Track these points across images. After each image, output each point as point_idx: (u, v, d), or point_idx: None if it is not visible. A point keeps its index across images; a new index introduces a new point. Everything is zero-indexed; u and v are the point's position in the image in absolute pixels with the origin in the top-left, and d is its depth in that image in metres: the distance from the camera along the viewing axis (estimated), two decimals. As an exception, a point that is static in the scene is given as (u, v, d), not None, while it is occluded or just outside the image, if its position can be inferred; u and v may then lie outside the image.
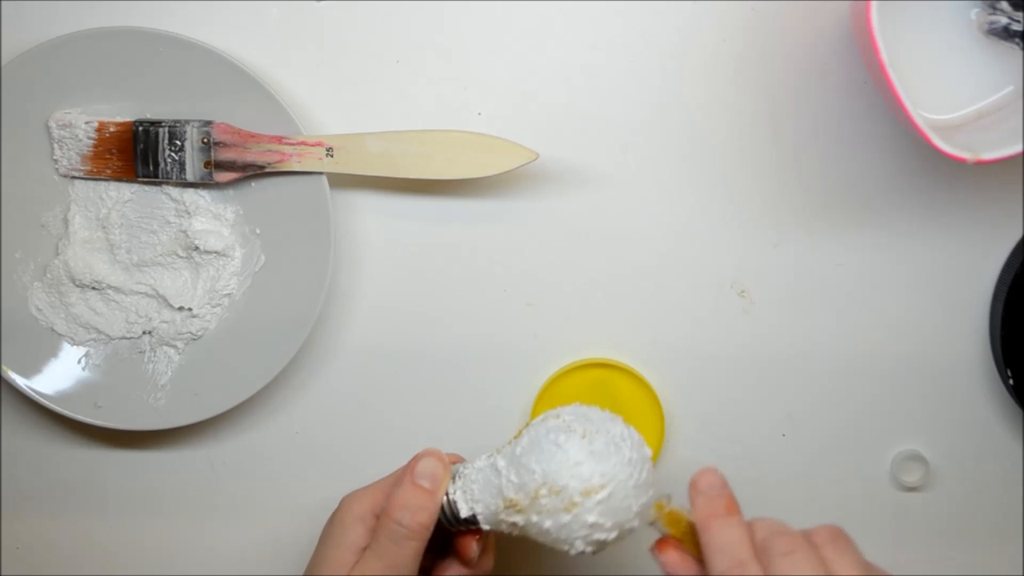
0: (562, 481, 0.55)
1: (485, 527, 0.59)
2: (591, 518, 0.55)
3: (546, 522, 0.56)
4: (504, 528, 0.58)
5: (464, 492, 0.58)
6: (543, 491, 0.56)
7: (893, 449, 0.70)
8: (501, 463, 0.57)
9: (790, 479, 0.70)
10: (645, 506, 0.56)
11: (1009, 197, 0.67)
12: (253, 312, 0.67)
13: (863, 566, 0.53)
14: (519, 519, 0.57)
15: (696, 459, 0.70)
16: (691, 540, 0.56)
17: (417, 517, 0.58)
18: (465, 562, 0.61)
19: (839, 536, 0.54)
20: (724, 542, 0.53)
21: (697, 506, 0.55)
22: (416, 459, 0.60)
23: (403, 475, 0.59)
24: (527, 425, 0.59)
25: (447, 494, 0.59)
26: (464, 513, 0.58)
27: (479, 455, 0.60)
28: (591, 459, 0.55)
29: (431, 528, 0.58)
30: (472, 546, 0.61)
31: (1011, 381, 0.67)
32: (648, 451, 0.57)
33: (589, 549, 0.56)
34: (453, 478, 0.59)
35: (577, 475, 0.55)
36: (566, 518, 0.55)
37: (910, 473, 0.69)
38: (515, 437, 0.59)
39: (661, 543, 0.56)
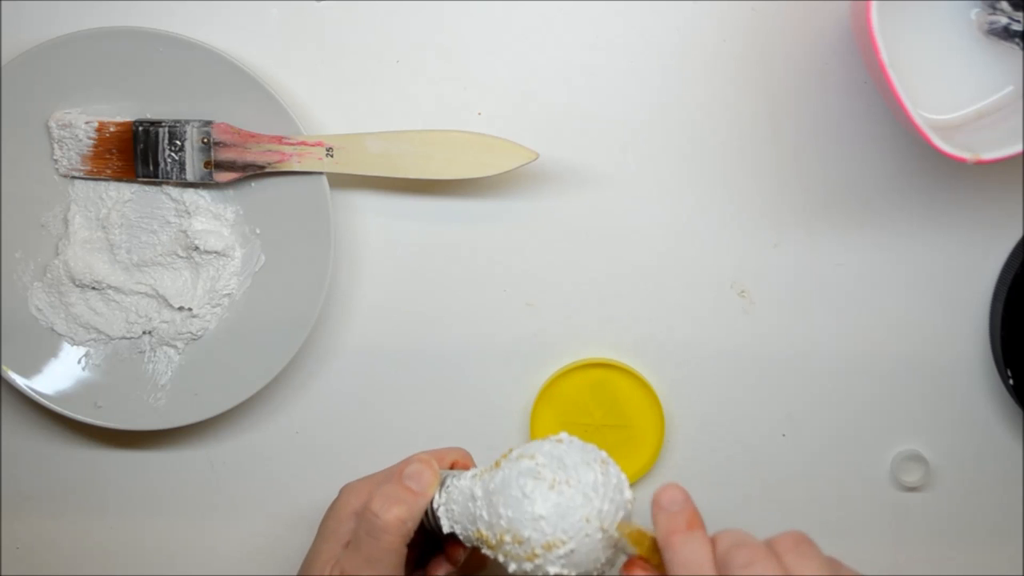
0: (525, 533, 0.55)
1: (467, 544, 0.59)
2: (553, 569, 0.55)
3: (511, 565, 0.56)
4: (482, 550, 0.58)
5: (447, 509, 0.58)
6: (507, 537, 0.55)
7: (893, 449, 0.70)
8: (478, 492, 0.57)
9: (790, 479, 0.70)
10: (618, 553, 0.56)
11: (1009, 197, 0.67)
12: (253, 312, 0.67)
13: (827, 567, 0.52)
14: (489, 553, 0.57)
15: (696, 459, 0.70)
16: (657, 558, 0.55)
17: (394, 510, 0.57)
18: (452, 563, 0.62)
19: (801, 541, 0.53)
20: (685, 558, 0.52)
21: (659, 523, 0.54)
22: (407, 462, 0.60)
23: (392, 473, 0.60)
24: (508, 453, 0.58)
25: (432, 503, 0.59)
26: (445, 530, 0.58)
27: (469, 470, 0.60)
28: (555, 513, 0.54)
29: (409, 525, 0.58)
30: (459, 552, 0.61)
31: (1011, 381, 0.67)
32: (628, 495, 0.56)
33: None
34: (442, 485, 0.59)
35: (539, 529, 0.54)
36: (529, 566, 0.55)
37: (910, 473, 0.69)
38: (502, 457, 0.58)
39: (628, 564, 0.56)
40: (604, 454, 0.57)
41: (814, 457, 0.70)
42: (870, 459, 0.70)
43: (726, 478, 0.70)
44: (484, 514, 0.56)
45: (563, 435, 0.58)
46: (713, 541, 0.53)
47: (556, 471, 0.56)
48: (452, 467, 0.62)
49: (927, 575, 0.70)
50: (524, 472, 0.56)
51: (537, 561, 0.55)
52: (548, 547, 0.54)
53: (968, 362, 0.69)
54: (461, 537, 0.58)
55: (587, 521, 0.54)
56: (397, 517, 0.57)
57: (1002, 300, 0.67)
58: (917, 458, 0.69)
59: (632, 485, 0.69)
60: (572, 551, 0.54)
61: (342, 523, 0.60)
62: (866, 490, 0.70)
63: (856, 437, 0.69)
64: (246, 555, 0.71)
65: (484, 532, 0.56)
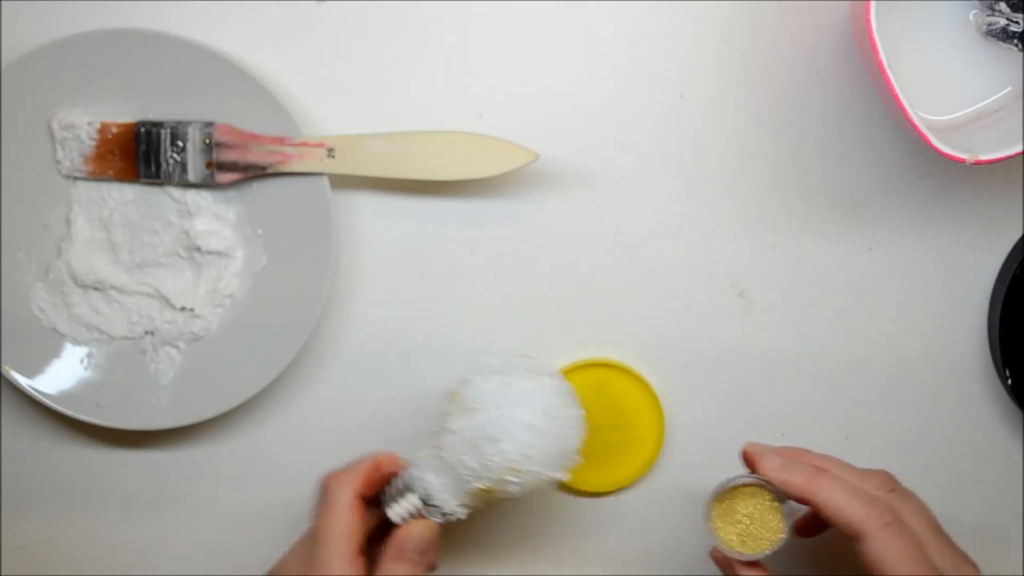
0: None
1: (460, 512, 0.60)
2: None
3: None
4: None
5: (437, 490, 0.60)
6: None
7: (892, 449, 0.70)
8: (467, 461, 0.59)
9: (790, 479, 0.70)
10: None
11: (1007, 198, 0.68)
12: (255, 312, 0.68)
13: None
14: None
15: (696, 459, 0.70)
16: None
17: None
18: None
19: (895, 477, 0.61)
20: (846, 491, 0.57)
21: (793, 478, 0.58)
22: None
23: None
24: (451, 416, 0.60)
25: (411, 510, 0.60)
26: (460, 515, 0.60)
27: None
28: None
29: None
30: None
31: (1010, 381, 0.67)
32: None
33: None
34: (407, 485, 0.60)
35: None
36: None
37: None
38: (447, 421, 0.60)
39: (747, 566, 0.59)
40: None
41: (813, 457, 0.70)
42: (869, 459, 0.70)
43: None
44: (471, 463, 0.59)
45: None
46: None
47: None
48: (380, 471, 0.61)
49: (927, 575, 0.70)
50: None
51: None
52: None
53: (967, 362, 0.69)
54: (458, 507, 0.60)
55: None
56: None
57: (1000, 300, 0.67)
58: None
59: (632, 485, 0.70)
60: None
61: (344, 524, 0.59)
62: (865, 490, 0.70)
63: (855, 437, 0.70)
64: (246, 555, 0.71)
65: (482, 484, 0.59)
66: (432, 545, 0.60)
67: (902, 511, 0.58)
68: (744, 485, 0.60)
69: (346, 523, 0.58)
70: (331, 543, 0.58)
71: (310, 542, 0.59)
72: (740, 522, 0.60)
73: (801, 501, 0.58)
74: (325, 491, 0.60)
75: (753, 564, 0.60)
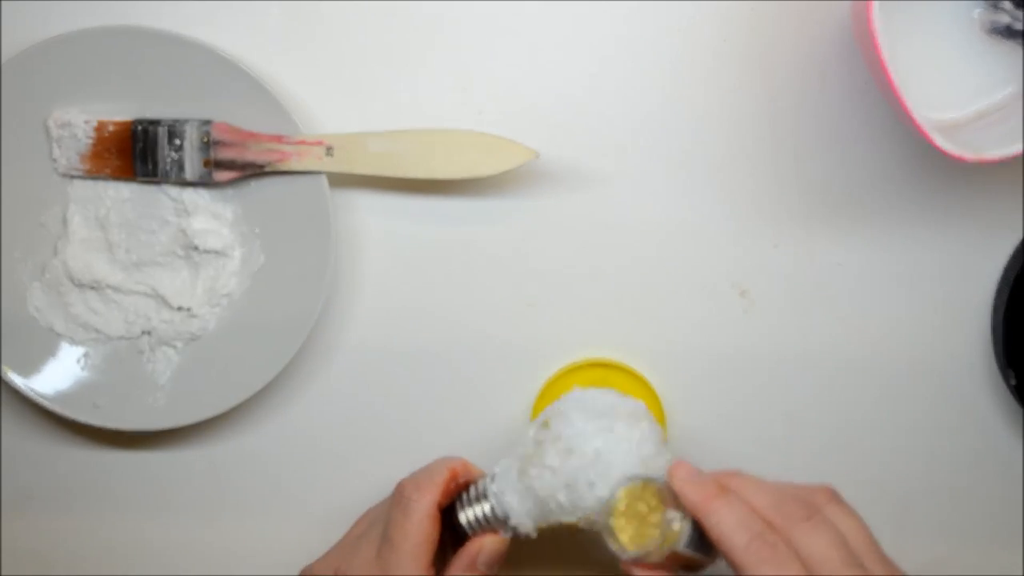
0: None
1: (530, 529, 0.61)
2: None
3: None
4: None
5: (518, 512, 0.60)
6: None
7: (893, 450, 0.70)
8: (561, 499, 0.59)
9: (789, 479, 0.70)
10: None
11: (1011, 197, 0.67)
12: (253, 312, 0.67)
13: (860, 519, 0.55)
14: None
15: (696, 458, 0.69)
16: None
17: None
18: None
19: (836, 495, 0.56)
20: (736, 518, 0.53)
21: (689, 494, 0.54)
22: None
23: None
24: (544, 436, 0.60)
25: (487, 512, 0.60)
26: (531, 536, 0.60)
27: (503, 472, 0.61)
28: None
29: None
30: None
31: (1013, 382, 0.67)
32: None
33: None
34: (483, 496, 0.60)
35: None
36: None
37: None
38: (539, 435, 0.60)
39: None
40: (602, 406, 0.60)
41: (813, 457, 0.70)
42: (869, 459, 0.70)
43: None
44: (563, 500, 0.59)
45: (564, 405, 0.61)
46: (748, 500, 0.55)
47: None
48: (456, 481, 0.62)
49: (927, 575, 0.70)
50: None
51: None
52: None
53: (969, 362, 0.69)
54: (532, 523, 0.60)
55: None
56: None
57: (1004, 300, 0.67)
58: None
59: (632, 485, 0.69)
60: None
61: (422, 531, 0.59)
62: (865, 490, 0.69)
63: (856, 437, 0.69)
64: (246, 555, 0.72)
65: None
66: (500, 559, 0.60)
67: (803, 544, 0.53)
68: (651, 485, 0.57)
69: (424, 533, 0.59)
70: (408, 552, 0.58)
71: (379, 544, 0.60)
72: (644, 519, 0.57)
73: (695, 519, 0.55)
74: (403, 498, 0.60)
75: (658, 566, 0.56)
